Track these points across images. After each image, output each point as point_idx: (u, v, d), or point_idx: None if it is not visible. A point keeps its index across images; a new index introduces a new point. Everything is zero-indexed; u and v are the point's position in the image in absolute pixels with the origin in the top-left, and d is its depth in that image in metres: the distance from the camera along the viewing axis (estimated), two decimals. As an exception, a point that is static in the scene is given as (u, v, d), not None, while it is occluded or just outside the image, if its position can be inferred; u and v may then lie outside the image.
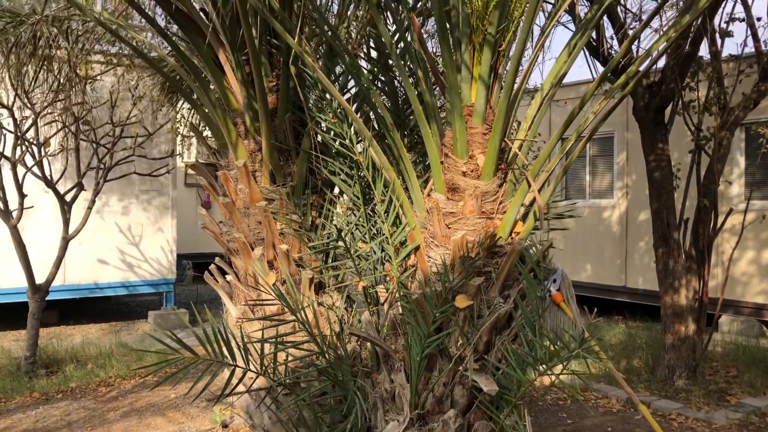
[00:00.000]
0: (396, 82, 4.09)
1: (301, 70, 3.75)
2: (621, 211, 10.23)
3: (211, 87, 4.03)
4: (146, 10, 3.95)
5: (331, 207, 3.91)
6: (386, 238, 3.48)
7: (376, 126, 4.01)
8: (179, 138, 9.26)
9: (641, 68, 3.54)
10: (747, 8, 6.35)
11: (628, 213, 10.13)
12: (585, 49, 5.72)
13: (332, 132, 3.77)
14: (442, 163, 3.37)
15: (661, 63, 6.49)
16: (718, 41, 6.54)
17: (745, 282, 8.85)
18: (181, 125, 8.47)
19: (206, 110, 4.14)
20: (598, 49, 6.44)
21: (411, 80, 3.86)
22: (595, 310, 3.30)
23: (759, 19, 6.48)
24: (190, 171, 14.97)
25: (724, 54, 7.01)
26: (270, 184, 3.91)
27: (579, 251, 10.63)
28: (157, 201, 10.06)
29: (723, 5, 6.24)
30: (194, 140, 9.83)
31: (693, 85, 6.75)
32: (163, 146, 9.46)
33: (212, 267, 4.19)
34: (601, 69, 6.63)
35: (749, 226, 7.56)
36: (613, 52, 6.67)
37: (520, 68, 3.26)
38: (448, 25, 3.24)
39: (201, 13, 3.81)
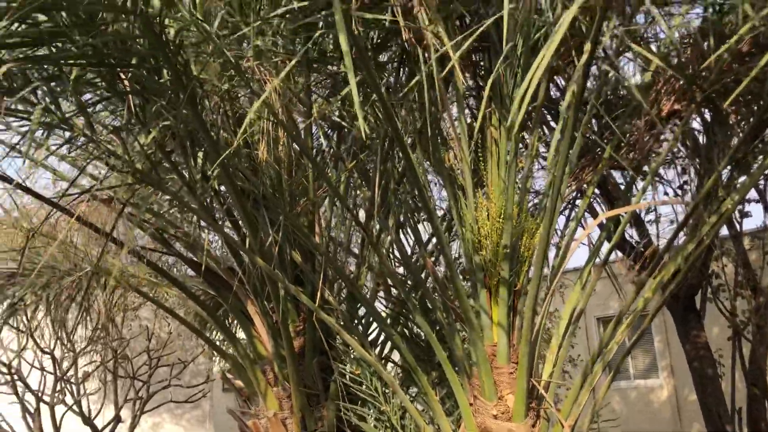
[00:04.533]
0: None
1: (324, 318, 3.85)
2: (669, 391, 9.81)
3: (238, 336, 4.14)
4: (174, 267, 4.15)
5: (363, 454, 3.82)
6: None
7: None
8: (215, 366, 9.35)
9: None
10: (759, 192, 6.50)
11: (677, 392, 9.71)
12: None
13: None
14: (471, 404, 3.33)
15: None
16: (737, 225, 6.62)
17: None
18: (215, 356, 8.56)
19: (236, 357, 4.22)
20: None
21: (431, 317, 3.93)
22: None
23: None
24: (228, 374, 14.92)
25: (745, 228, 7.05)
26: (300, 430, 3.87)
27: (633, 437, 10.08)
28: (192, 415, 9.94)
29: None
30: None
31: (719, 270, 6.73)
32: (201, 366, 9.52)
33: None
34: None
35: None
36: (633, 242, 6.75)
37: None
38: (461, 273, 3.36)
39: (230, 270, 4.01)
